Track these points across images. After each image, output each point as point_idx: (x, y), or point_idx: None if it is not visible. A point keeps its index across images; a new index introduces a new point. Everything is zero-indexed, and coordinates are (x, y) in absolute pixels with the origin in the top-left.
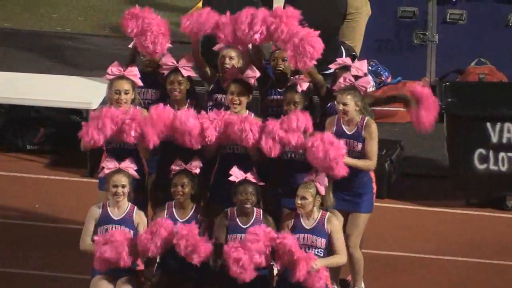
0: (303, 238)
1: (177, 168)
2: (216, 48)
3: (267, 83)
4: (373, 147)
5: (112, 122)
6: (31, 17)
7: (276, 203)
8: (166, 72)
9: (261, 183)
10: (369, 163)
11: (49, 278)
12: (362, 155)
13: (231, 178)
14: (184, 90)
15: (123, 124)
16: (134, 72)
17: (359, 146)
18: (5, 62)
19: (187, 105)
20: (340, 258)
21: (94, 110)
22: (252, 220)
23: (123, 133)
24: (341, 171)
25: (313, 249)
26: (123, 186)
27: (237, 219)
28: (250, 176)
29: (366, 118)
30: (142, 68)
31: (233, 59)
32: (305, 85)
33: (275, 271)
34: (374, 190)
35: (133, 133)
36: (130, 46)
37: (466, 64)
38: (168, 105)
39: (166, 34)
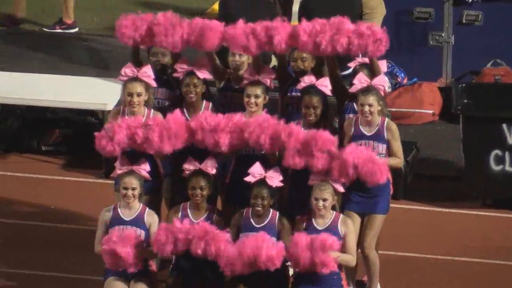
0: None
1: (191, 167)
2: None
3: (287, 81)
4: (399, 147)
5: (127, 133)
6: (46, 19)
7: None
8: (181, 75)
9: (280, 184)
10: (398, 161)
11: (64, 279)
12: (381, 156)
13: (246, 179)
14: (200, 92)
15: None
16: (147, 73)
17: (379, 147)
18: (20, 64)
19: (203, 107)
20: (351, 259)
21: (110, 111)
22: (266, 221)
23: (141, 145)
24: (384, 177)
25: None
26: (133, 189)
27: (251, 219)
28: (268, 177)
29: (386, 120)
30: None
31: (243, 55)
32: (326, 90)
33: (291, 272)
34: (391, 192)
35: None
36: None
37: (482, 65)
38: (184, 107)
39: (176, 23)
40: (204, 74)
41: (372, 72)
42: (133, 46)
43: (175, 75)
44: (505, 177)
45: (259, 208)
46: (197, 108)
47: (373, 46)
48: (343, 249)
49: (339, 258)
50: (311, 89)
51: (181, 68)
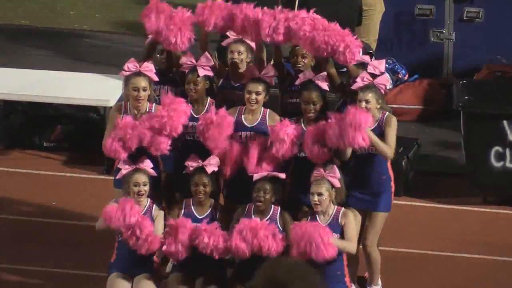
0: None
1: (194, 164)
2: (224, 43)
3: (287, 80)
4: (392, 137)
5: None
6: (48, 15)
7: (295, 201)
8: (186, 70)
9: (282, 176)
10: (388, 149)
11: (66, 276)
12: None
13: (255, 176)
14: (201, 90)
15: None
16: (150, 68)
17: None
18: (22, 60)
19: (207, 104)
20: (350, 245)
21: (111, 107)
22: (267, 217)
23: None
24: (364, 141)
25: None
26: (145, 184)
27: (253, 215)
28: (271, 173)
29: (387, 113)
30: (158, 66)
31: (241, 53)
32: (324, 85)
33: None
34: (393, 189)
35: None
36: (146, 42)
37: (483, 62)
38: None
39: (189, 27)
40: (206, 71)
41: (349, 75)
42: (154, 40)
43: (181, 69)
44: (506, 173)
45: (260, 204)
46: (200, 105)
47: (342, 54)
48: (342, 238)
49: (338, 244)
50: (310, 85)
51: (185, 64)
